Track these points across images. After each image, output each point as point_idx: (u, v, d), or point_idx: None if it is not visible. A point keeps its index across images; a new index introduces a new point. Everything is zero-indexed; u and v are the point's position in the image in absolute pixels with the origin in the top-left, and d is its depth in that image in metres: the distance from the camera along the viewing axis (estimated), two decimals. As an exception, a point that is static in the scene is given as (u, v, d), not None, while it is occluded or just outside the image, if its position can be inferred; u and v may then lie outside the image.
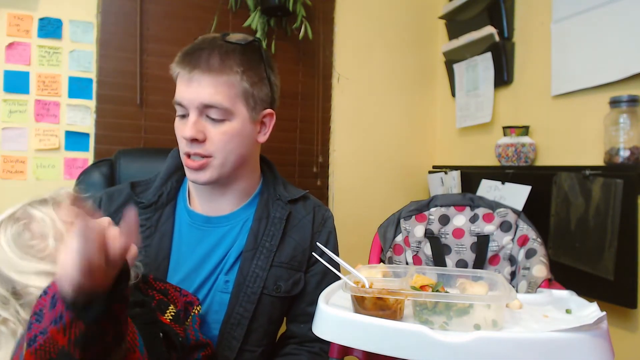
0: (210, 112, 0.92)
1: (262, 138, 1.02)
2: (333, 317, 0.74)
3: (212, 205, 1.02)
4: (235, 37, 0.97)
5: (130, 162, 1.27)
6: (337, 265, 0.86)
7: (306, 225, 1.06)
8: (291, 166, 2.03)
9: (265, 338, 1.01)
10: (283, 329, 1.10)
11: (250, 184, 1.05)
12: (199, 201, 1.03)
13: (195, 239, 1.00)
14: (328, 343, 0.86)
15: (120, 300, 0.53)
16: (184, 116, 0.95)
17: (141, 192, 1.04)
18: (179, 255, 0.99)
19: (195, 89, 0.91)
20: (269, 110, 1.01)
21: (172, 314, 0.81)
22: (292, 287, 1.02)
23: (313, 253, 1.00)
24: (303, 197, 1.09)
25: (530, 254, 1.10)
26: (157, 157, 1.27)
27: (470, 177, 1.95)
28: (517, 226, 1.15)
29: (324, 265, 0.90)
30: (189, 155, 0.94)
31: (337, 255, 0.99)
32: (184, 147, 0.95)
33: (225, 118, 0.93)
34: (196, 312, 0.87)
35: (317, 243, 0.97)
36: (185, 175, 1.05)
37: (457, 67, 2.09)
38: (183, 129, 0.93)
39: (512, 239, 1.15)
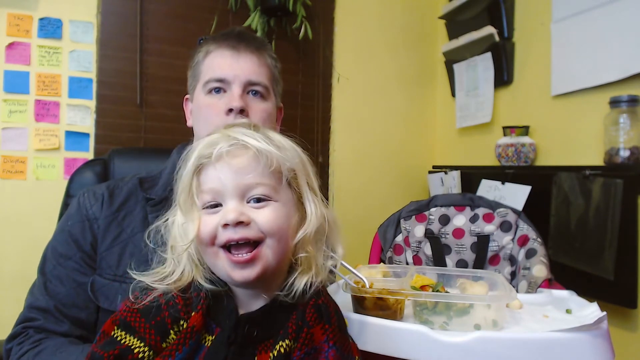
0: (253, 89, 0.95)
1: (277, 129, 1.05)
2: (333, 317, 0.73)
3: None
4: None
5: (124, 161, 1.24)
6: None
7: None
8: (291, 166, 2.03)
9: None
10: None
11: None
12: None
13: None
14: None
15: None
16: (217, 92, 0.95)
17: (149, 187, 0.99)
18: None
19: (242, 64, 0.94)
20: (281, 104, 1.06)
21: None
22: None
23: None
24: None
25: (530, 254, 1.10)
26: (152, 157, 1.26)
27: (470, 177, 1.95)
28: (517, 226, 1.15)
29: None
30: None
31: None
32: (221, 121, 0.91)
33: (265, 97, 0.97)
34: None
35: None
36: None
37: (457, 67, 2.09)
38: (226, 102, 0.92)
39: (512, 239, 1.15)
